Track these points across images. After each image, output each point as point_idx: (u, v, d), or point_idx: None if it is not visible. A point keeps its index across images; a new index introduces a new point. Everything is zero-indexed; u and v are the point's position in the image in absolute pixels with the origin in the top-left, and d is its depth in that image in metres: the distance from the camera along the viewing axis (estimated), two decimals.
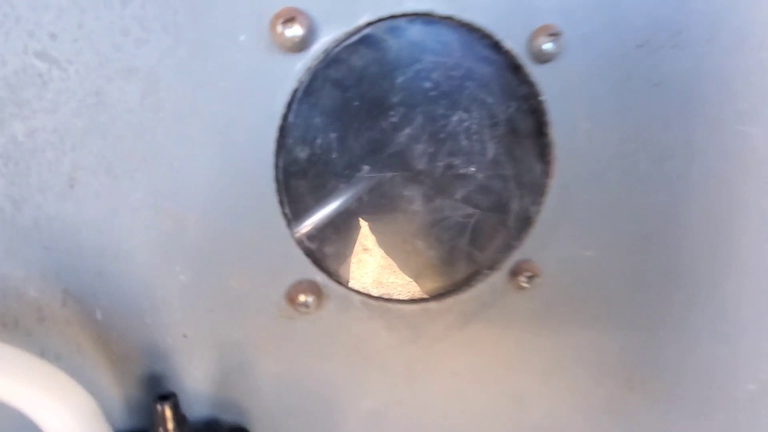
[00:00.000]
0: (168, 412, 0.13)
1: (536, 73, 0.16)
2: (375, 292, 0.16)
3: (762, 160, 0.19)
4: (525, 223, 0.17)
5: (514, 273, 0.18)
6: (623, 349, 0.20)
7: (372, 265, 0.16)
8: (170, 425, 0.13)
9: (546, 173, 0.17)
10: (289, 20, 0.13)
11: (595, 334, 0.20)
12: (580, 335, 0.20)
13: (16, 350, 0.12)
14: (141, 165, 0.13)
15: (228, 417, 0.16)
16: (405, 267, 0.16)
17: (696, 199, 0.19)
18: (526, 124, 0.16)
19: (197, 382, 0.15)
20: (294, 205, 0.15)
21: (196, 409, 0.15)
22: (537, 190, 0.17)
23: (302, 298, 0.15)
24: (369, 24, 0.14)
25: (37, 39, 0.12)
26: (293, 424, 0.17)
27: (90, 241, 0.13)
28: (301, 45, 0.13)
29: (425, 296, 0.17)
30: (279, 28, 0.13)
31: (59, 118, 0.13)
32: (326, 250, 0.15)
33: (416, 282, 0.16)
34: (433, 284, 0.17)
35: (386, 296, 0.16)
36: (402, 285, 0.16)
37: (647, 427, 0.22)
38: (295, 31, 0.13)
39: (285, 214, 0.15)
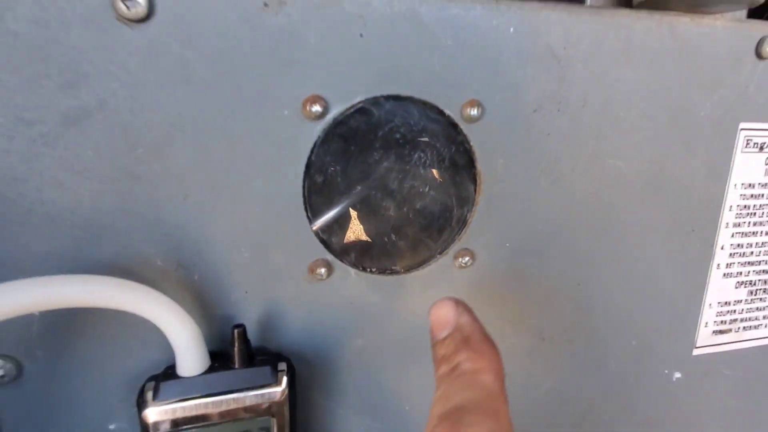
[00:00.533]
0: (239, 336, 0.22)
1: (467, 128, 0.25)
2: (364, 268, 0.25)
3: (627, 183, 0.28)
4: (463, 223, 0.26)
5: (456, 256, 0.26)
6: (536, 311, 0.29)
7: (362, 249, 0.24)
8: (241, 345, 0.22)
9: (476, 191, 0.26)
10: (313, 102, 0.22)
11: (515, 300, 0.29)
12: (504, 300, 0.28)
13: (156, 291, 0.20)
14: (223, 191, 0.22)
15: (270, 347, 0.25)
16: (383, 252, 0.25)
17: (582, 209, 0.28)
18: (462, 160, 0.25)
19: (252, 324, 0.24)
20: (314, 210, 0.23)
21: (252, 341, 0.24)
22: (470, 202, 0.26)
23: (318, 270, 0.24)
24: (361, 102, 0.23)
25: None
26: (311, 356, 0.26)
27: (192, 233, 0.22)
28: (320, 116, 0.22)
29: (398, 270, 0.25)
30: (307, 107, 0.22)
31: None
32: (333, 239, 0.24)
33: (391, 261, 0.25)
34: (402, 263, 0.25)
35: (371, 270, 0.25)
36: (381, 263, 0.25)
37: (557, 368, 0.31)
38: (317, 108, 0.22)
39: (308, 216, 0.23)
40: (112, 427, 0.23)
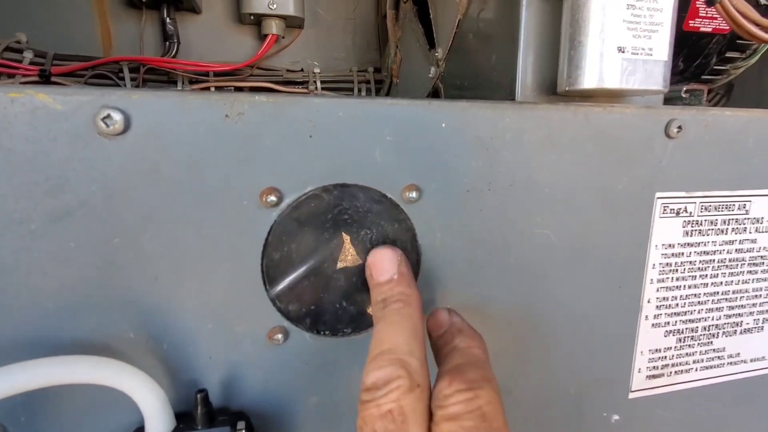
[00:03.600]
0: (201, 400, 0.25)
1: (408, 209, 0.28)
2: (318, 331, 0.28)
3: (557, 250, 0.32)
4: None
5: None
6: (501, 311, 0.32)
7: (315, 315, 0.28)
8: (203, 408, 0.25)
9: (418, 262, 0.29)
10: (269, 193, 0.25)
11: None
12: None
13: (128, 366, 0.23)
14: (190, 272, 0.25)
15: (232, 407, 0.27)
16: (335, 317, 0.28)
17: (516, 274, 0.31)
18: (404, 236, 0.28)
19: (216, 386, 0.27)
20: (271, 282, 0.27)
21: (215, 401, 0.27)
22: (416, 268, 0.29)
23: (276, 335, 0.27)
24: (312, 190, 0.26)
25: None
26: (270, 414, 0.28)
27: (162, 309, 0.25)
28: (275, 204, 0.26)
29: (348, 332, 0.28)
30: (264, 197, 0.25)
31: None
32: (290, 308, 0.27)
33: (342, 324, 0.28)
34: (352, 325, 0.28)
35: (324, 333, 0.28)
36: (334, 326, 0.28)
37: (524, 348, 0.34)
38: (272, 198, 0.25)
39: (266, 288, 0.27)
40: None
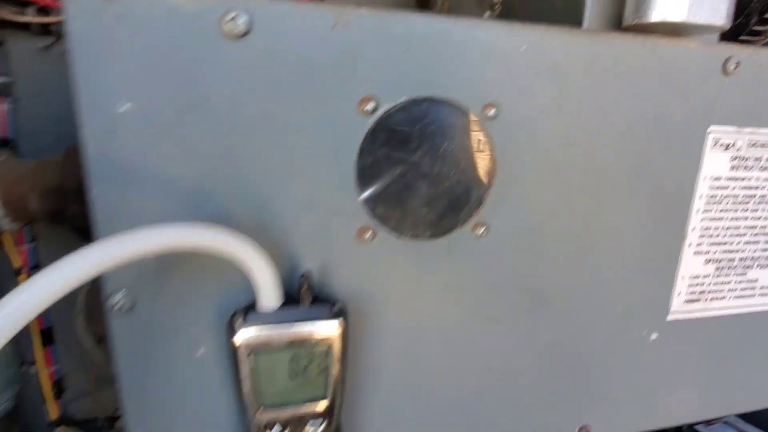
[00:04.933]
0: (306, 280, 0.28)
1: (486, 125, 0.31)
2: (400, 233, 0.31)
3: (614, 175, 0.34)
4: (480, 201, 0.32)
5: (474, 228, 0.32)
6: (539, 276, 0.35)
7: (400, 218, 0.31)
8: (307, 287, 0.28)
9: (491, 176, 0.32)
10: (367, 101, 0.28)
11: (522, 267, 0.35)
12: (512, 267, 0.34)
13: (249, 240, 0.26)
14: (296, 168, 0.28)
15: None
16: (417, 221, 0.31)
17: (576, 195, 0.34)
18: (481, 151, 0.31)
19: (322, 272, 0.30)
20: (363, 185, 0.30)
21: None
22: (486, 185, 0.32)
23: (365, 234, 0.30)
24: (404, 102, 0.29)
25: None
26: (356, 305, 0.32)
27: (271, 201, 0.28)
28: (372, 112, 0.28)
29: (427, 237, 0.32)
30: (362, 105, 0.28)
31: None
32: (377, 209, 0.30)
33: (422, 229, 0.31)
34: (431, 231, 0.32)
35: (406, 235, 0.31)
36: (414, 230, 0.31)
37: (555, 326, 0.37)
38: (369, 106, 0.28)
39: (358, 190, 0.30)
40: (199, 353, 0.29)
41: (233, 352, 0.27)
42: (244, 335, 0.27)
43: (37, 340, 0.58)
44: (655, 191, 0.35)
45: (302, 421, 0.29)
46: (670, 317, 0.39)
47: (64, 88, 0.55)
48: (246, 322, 0.27)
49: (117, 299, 0.27)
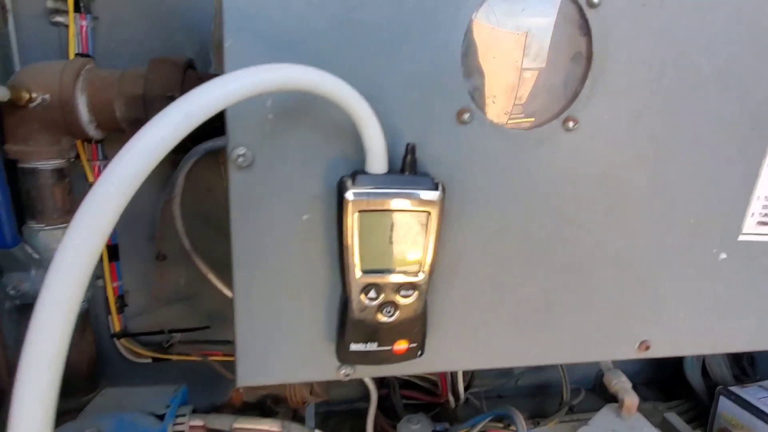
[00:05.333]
0: (411, 150, 0.29)
1: (589, 13, 0.31)
2: (497, 120, 0.32)
3: (705, 78, 0.35)
4: (574, 95, 0.33)
5: (566, 121, 0.33)
6: (620, 175, 0.36)
7: (499, 105, 0.32)
8: (412, 157, 0.29)
9: (589, 68, 0.33)
10: None
11: (606, 163, 0.35)
12: (597, 162, 0.35)
13: (367, 103, 0.28)
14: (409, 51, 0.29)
15: None
16: (514, 109, 0.32)
17: (666, 93, 0.34)
18: (581, 43, 0.32)
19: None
20: (467, 70, 0.31)
21: None
22: (582, 80, 0.33)
23: (464, 115, 0.32)
24: None
25: None
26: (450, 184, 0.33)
27: (379, 73, 0.29)
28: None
29: (523, 128, 0.33)
30: None
31: None
32: (477, 94, 0.31)
33: (517, 117, 0.32)
34: (526, 121, 0.33)
35: (503, 123, 0.32)
36: (511, 118, 0.32)
37: (626, 231, 0.38)
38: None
39: (463, 73, 0.31)
40: (305, 217, 0.31)
41: (342, 209, 0.29)
42: (354, 193, 0.28)
43: (104, 255, 0.61)
44: (743, 103, 0.35)
45: (396, 289, 0.31)
46: (741, 238, 0.39)
47: (143, 8, 0.57)
48: (356, 183, 0.28)
49: (238, 153, 0.29)
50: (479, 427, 0.62)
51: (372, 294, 0.31)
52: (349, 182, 0.28)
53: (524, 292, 0.37)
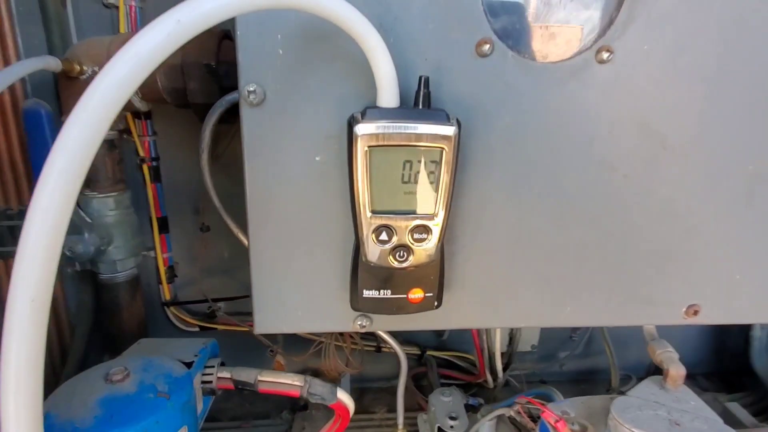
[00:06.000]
0: (424, 82, 0.28)
1: None
2: (520, 52, 0.30)
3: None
4: (608, 26, 0.30)
5: (599, 51, 0.31)
6: (662, 117, 0.32)
7: (520, 35, 0.30)
8: (425, 90, 0.28)
9: (621, 4, 0.30)
10: None
11: (644, 100, 0.32)
12: (634, 99, 0.31)
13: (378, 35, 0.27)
14: None
15: None
16: (539, 39, 0.30)
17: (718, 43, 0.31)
18: None
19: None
20: (490, 11, 0.29)
21: None
22: (618, 5, 0.30)
23: (483, 47, 0.30)
24: None
25: None
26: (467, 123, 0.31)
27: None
28: None
29: (550, 60, 0.30)
30: None
31: None
32: (499, 23, 0.29)
33: (544, 50, 0.30)
34: (554, 55, 0.30)
35: (526, 56, 0.30)
36: (537, 50, 0.30)
37: (673, 179, 0.34)
38: None
39: (485, 12, 0.29)
40: (318, 158, 0.31)
41: (351, 146, 0.28)
42: (364, 127, 0.27)
43: (155, 226, 0.64)
44: None
45: (409, 232, 0.30)
46: None
47: None
48: (365, 117, 0.28)
49: (249, 89, 0.29)
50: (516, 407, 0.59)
51: (384, 236, 0.30)
52: (359, 116, 0.28)
53: (553, 245, 0.34)
